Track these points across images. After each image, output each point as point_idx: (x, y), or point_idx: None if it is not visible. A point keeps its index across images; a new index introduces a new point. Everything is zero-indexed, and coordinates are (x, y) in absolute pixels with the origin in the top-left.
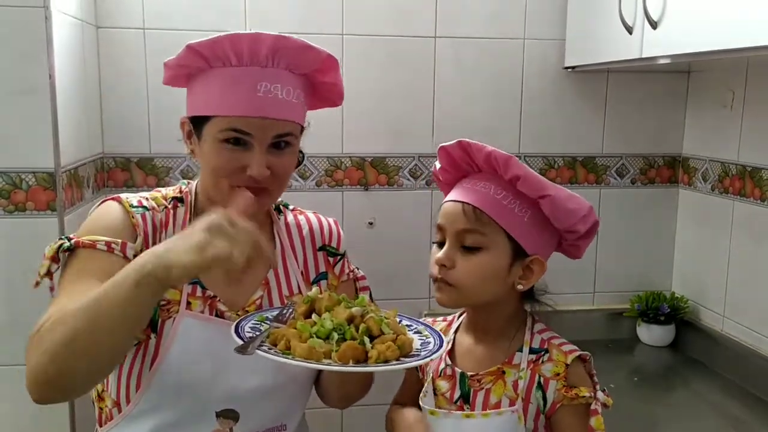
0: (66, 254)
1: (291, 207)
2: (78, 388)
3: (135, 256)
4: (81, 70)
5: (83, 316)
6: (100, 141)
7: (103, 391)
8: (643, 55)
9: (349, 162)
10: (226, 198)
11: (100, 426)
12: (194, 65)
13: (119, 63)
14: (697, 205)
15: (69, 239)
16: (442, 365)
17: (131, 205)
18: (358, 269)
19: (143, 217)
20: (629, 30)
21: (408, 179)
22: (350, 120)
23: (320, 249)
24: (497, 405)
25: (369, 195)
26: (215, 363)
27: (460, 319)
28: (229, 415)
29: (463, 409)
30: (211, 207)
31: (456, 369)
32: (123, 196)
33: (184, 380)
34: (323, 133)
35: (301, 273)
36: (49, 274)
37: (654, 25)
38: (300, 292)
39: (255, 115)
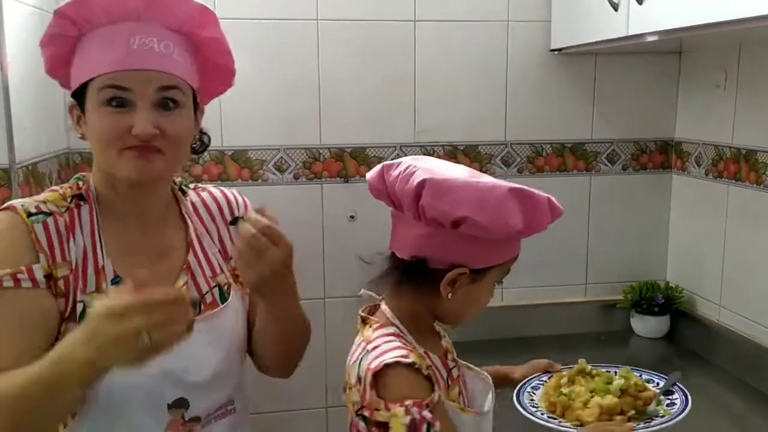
0: None
1: (192, 186)
2: None
3: (47, 275)
4: (39, 61)
5: (21, 411)
6: (64, 135)
7: None
8: (630, 33)
9: (328, 153)
10: (116, 167)
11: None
12: (66, 34)
13: None
14: (691, 191)
15: None
16: None
17: (29, 214)
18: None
19: (45, 226)
20: (615, 7)
21: None
22: (328, 110)
23: (232, 223)
24: None
25: (349, 187)
26: (162, 358)
27: None
28: (180, 404)
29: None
30: (113, 196)
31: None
32: (18, 203)
33: (138, 376)
34: (300, 123)
35: (219, 251)
36: None
37: (640, 0)
38: (222, 270)
39: (130, 67)
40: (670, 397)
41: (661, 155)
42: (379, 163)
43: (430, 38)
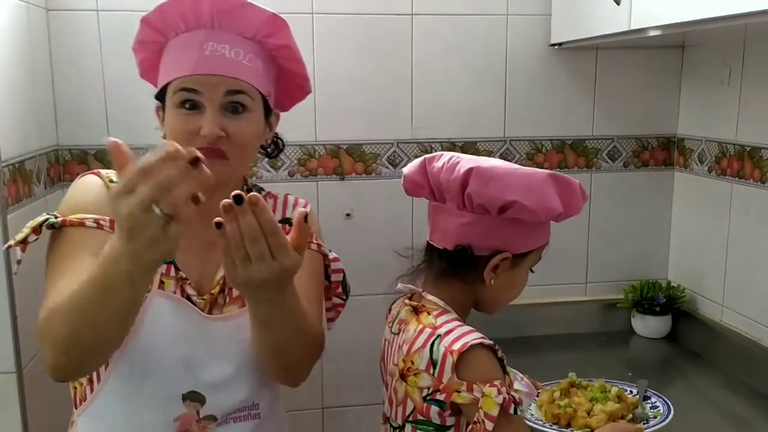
0: (50, 231)
1: (264, 192)
2: (95, 366)
3: None
4: (28, 56)
5: (79, 317)
6: (54, 132)
7: None
8: (632, 27)
9: (324, 150)
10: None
11: (75, 408)
12: (152, 40)
13: (72, 48)
14: (693, 189)
15: (55, 216)
16: None
17: (111, 181)
18: (331, 251)
19: None
20: (617, 1)
21: (386, 167)
22: (323, 105)
23: (281, 221)
24: None
25: (345, 185)
26: (182, 346)
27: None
28: (195, 398)
29: None
30: None
31: None
32: (103, 171)
33: (152, 359)
34: (295, 120)
35: None
36: (24, 242)
37: None
38: None
39: (202, 72)
40: (650, 401)
41: (663, 152)
42: (376, 159)
43: (428, 32)
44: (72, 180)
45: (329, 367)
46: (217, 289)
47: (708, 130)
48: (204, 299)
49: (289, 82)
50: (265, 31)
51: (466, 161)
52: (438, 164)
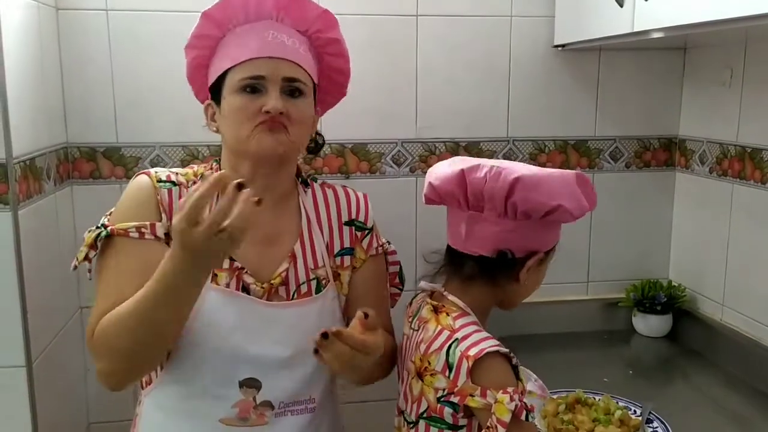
0: (103, 241)
1: (320, 181)
2: (150, 370)
3: (166, 233)
4: (38, 55)
5: (141, 326)
6: (63, 129)
7: None
8: (636, 29)
9: (329, 149)
10: (248, 143)
11: (142, 389)
12: (209, 34)
13: (81, 46)
14: (694, 189)
15: (105, 227)
16: None
17: (159, 180)
18: (389, 243)
19: (169, 192)
20: (620, 3)
21: (391, 166)
22: None
23: (347, 224)
24: None
25: (350, 184)
26: (238, 335)
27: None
28: (251, 384)
29: None
30: (235, 177)
31: None
32: (153, 170)
33: (208, 351)
34: None
35: (326, 246)
36: (86, 258)
37: None
38: (324, 264)
39: (265, 54)
40: (651, 425)
41: (665, 153)
42: (380, 158)
43: (433, 33)
44: (81, 177)
45: None
46: (278, 281)
47: (709, 131)
48: (263, 287)
49: (331, 80)
50: (317, 25)
51: (509, 171)
52: (479, 174)
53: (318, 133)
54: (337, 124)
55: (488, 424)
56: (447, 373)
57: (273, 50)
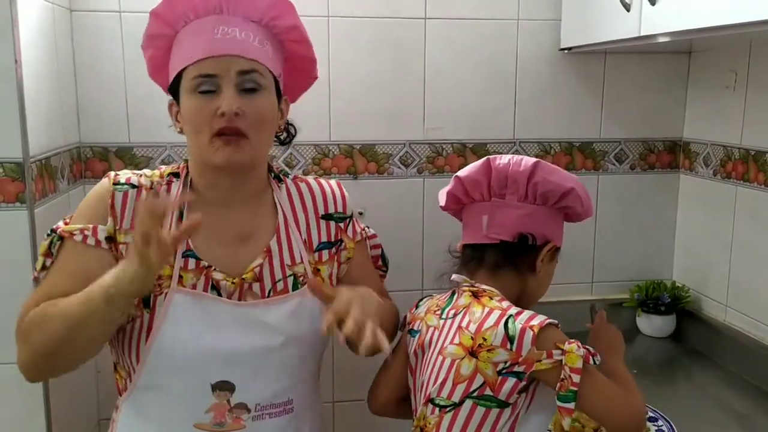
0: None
1: (291, 176)
2: (65, 372)
3: (108, 237)
4: (53, 55)
5: (63, 325)
6: (76, 129)
7: (116, 363)
8: (642, 33)
9: (337, 150)
10: (208, 154)
11: (120, 395)
12: (161, 33)
13: (95, 48)
14: (698, 191)
15: (55, 231)
16: None
17: (116, 183)
18: (368, 228)
19: (125, 195)
20: (627, 7)
21: (399, 167)
22: (338, 106)
23: (324, 217)
24: None
25: (358, 184)
26: (207, 338)
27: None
28: (224, 387)
29: None
30: (203, 184)
31: None
32: (119, 173)
33: (178, 355)
34: (310, 120)
35: (304, 241)
36: (44, 268)
37: (653, 1)
38: (302, 261)
39: (214, 54)
40: (656, 423)
41: (669, 155)
42: (388, 159)
43: (440, 36)
44: (93, 177)
45: (340, 361)
46: (250, 276)
47: (713, 134)
48: (234, 282)
49: (297, 68)
50: (271, 13)
51: (529, 158)
52: (503, 161)
53: (289, 123)
54: (345, 126)
55: (561, 376)
56: (508, 346)
57: (221, 47)
